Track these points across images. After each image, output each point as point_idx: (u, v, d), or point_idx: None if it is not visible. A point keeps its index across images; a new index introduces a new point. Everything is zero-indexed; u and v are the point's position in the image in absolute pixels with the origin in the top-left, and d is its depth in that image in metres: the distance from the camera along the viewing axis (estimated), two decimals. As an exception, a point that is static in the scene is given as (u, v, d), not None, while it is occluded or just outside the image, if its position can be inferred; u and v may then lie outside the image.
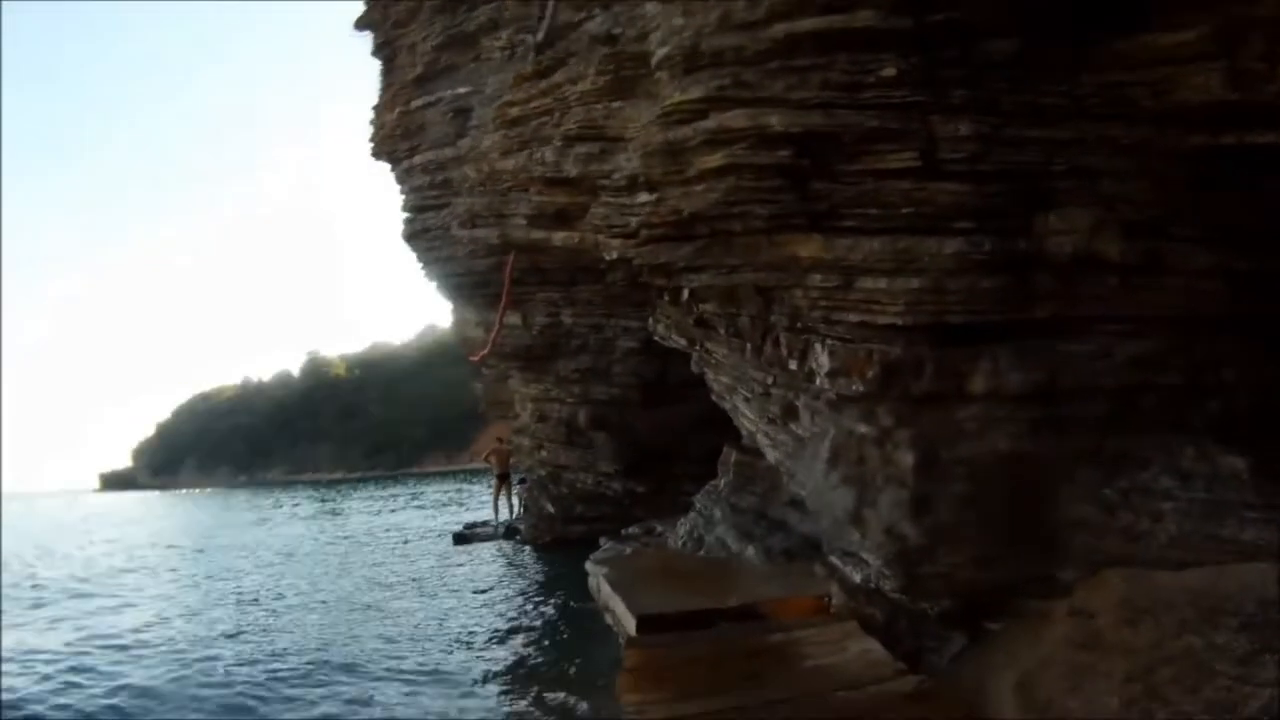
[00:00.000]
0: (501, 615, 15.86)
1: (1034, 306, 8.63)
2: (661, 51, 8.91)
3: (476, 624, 15.18)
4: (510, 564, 22.02)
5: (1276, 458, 8.29)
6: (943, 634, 9.10)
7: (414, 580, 19.97)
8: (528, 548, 23.43)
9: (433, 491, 42.91)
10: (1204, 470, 8.44)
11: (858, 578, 10.00)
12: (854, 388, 9.11)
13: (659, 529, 17.52)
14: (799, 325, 9.64)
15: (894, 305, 8.71)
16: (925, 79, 8.07)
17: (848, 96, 8.25)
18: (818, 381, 9.49)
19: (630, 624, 10.58)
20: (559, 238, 11.30)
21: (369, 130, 22.54)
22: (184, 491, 73.57)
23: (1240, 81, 7.53)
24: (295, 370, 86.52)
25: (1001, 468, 8.67)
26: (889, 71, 8.10)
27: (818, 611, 10.49)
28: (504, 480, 27.01)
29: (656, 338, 14.89)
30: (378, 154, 22.27)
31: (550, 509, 23.27)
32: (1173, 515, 8.35)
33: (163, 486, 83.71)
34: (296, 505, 45.29)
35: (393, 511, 39.21)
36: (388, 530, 30.64)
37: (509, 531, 25.12)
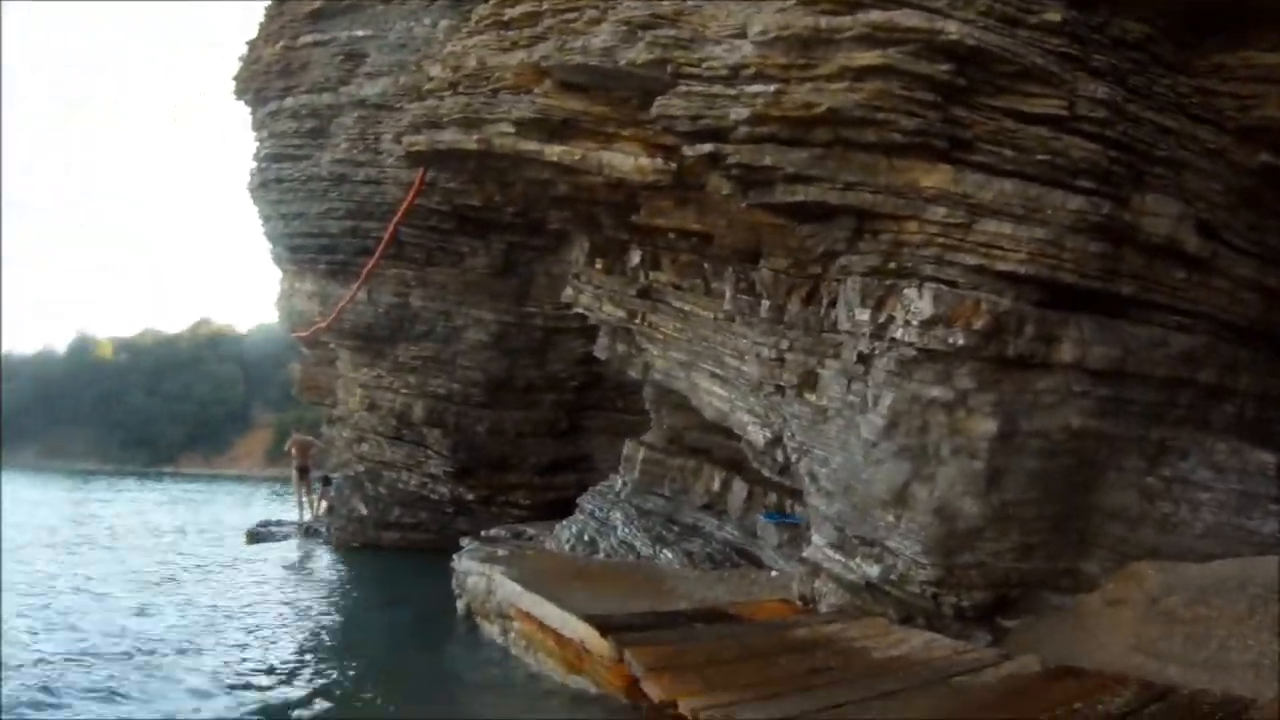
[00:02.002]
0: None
1: (1121, 282, 8.47)
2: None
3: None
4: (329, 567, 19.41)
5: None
6: (965, 633, 8.47)
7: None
8: (329, 551, 20.78)
9: (198, 492, 38.75)
10: (1235, 464, 8.56)
11: (874, 572, 8.94)
12: (952, 339, 8.01)
13: (530, 532, 15.63)
14: (891, 266, 8.30)
15: (1017, 253, 8.03)
16: (1078, 35, 7.94)
17: (1007, 29, 7.82)
18: (899, 334, 8.22)
19: (577, 628, 9.07)
20: (554, 151, 9.46)
21: (235, 68, 20.07)
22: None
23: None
24: (61, 348, 79.05)
25: (1070, 446, 8.30)
26: (1053, 16, 7.86)
27: (794, 614, 9.53)
28: (304, 475, 24.15)
29: (579, 309, 13.15)
30: (242, 92, 19.83)
31: (363, 510, 20.76)
32: (1209, 506, 8.48)
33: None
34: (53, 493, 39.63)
35: (161, 505, 34.82)
36: (173, 530, 26.43)
37: (308, 531, 22.37)
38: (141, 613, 13.29)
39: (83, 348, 74.90)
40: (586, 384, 19.95)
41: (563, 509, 18.20)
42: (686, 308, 11.25)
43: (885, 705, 6.34)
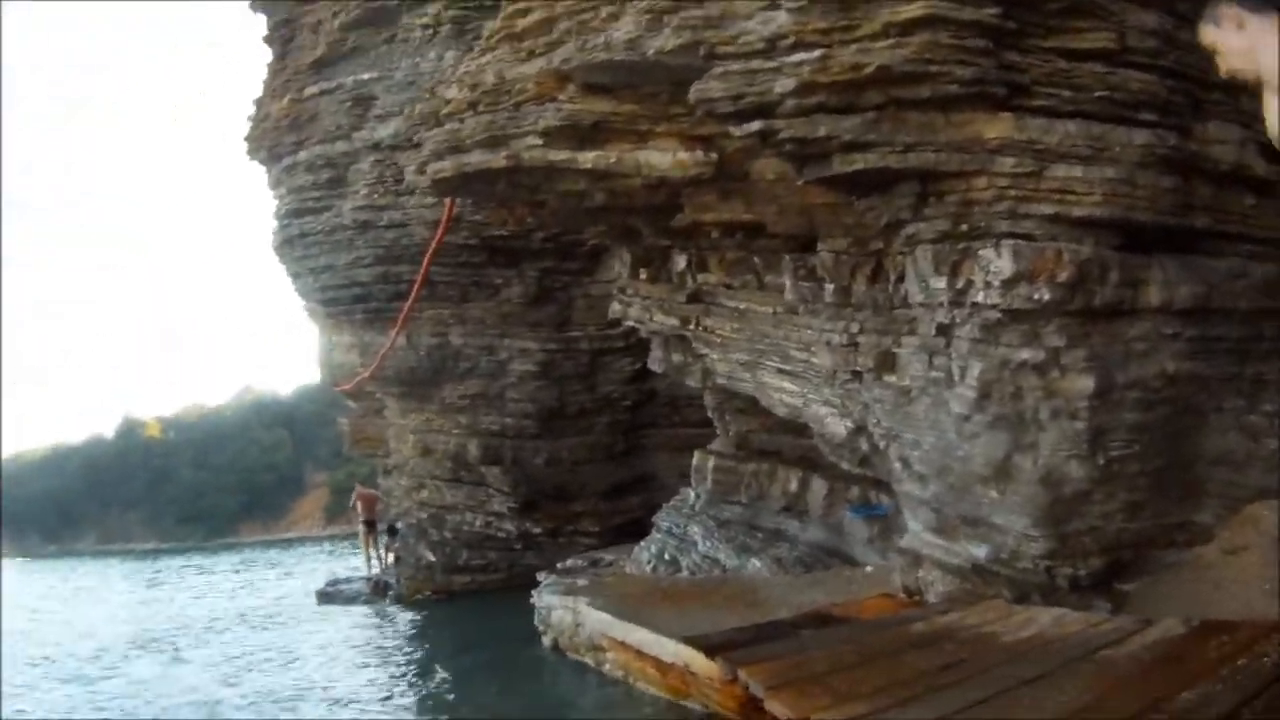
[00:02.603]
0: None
1: (1194, 215, 8.04)
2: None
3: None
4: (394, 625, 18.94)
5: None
6: (1084, 604, 7.92)
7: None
8: (400, 602, 20.28)
9: (259, 563, 38.35)
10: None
11: (981, 552, 8.43)
12: (1037, 295, 7.48)
13: (607, 558, 15.10)
14: (963, 228, 7.76)
15: (1091, 195, 7.47)
16: None
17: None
18: (980, 298, 7.70)
19: (679, 651, 8.55)
20: (588, 158, 8.99)
21: (245, 128, 19.73)
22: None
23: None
24: (109, 433, 79.46)
25: (1168, 393, 7.92)
26: (1094, -54, 7.30)
27: (902, 607, 8.95)
28: (372, 528, 23.74)
29: (630, 323, 12.65)
30: (255, 151, 19.46)
31: (430, 557, 20.25)
32: (1316, 438, 7.87)
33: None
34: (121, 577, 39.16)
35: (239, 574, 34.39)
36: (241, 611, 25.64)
37: (377, 587, 21.91)
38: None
39: (130, 430, 75.20)
40: (639, 402, 19.42)
41: (632, 532, 17.80)
42: (741, 306, 10.75)
43: (1034, 692, 5.77)
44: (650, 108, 8.75)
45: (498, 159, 9.30)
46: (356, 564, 26.34)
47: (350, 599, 21.59)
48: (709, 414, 13.69)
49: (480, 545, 19.96)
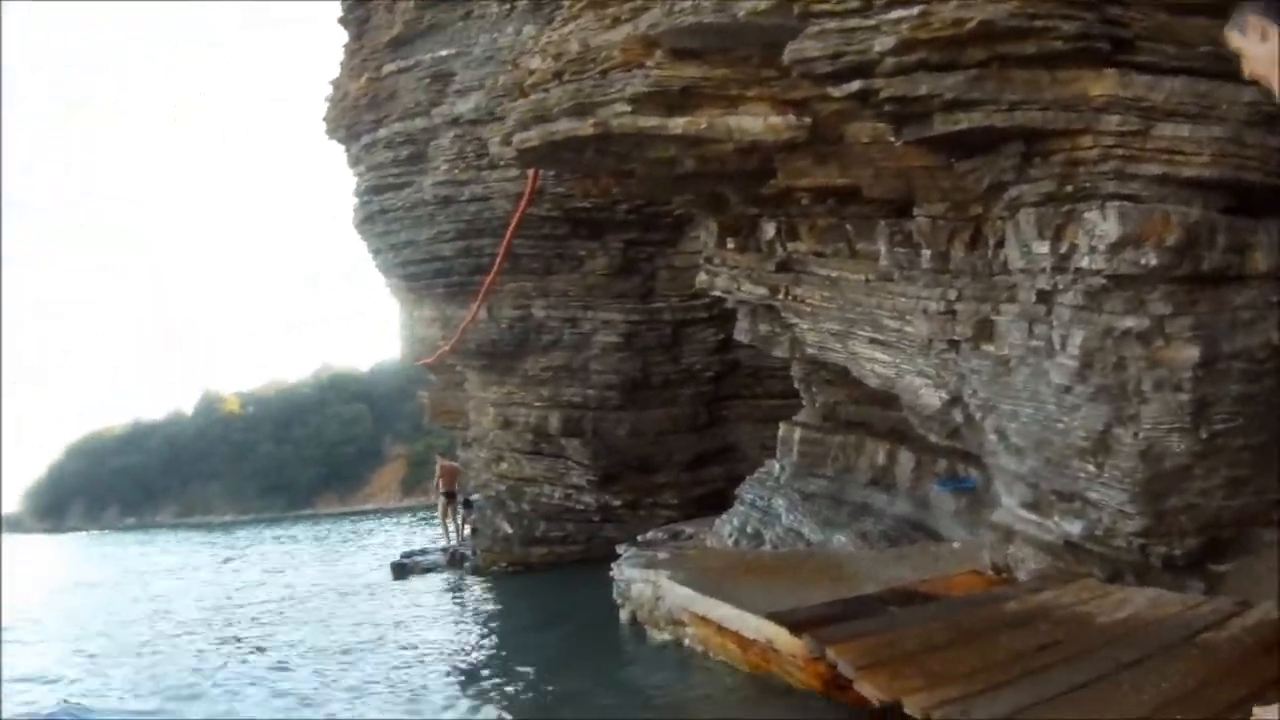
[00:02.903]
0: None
1: None
2: None
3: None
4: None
5: None
6: (1177, 584, 7.69)
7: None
8: (477, 574, 20.36)
9: (336, 533, 38.68)
10: None
11: (1075, 529, 8.19)
12: (1144, 260, 7.10)
13: (687, 531, 15.03)
14: (1068, 190, 7.42)
15: (1199, 155, 7.00)
16: None
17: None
18: (1085, 263, 7.36)
19: (762, 627, 8.40)
20: (678, 124, 8.83)
21: (323, 109, 19.86)
22: (71, 535, 66.35)
23: None
24: (189, 409, 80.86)
25: (1272, 364, 7.34)
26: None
27: (992, 585, 8.76)
28: (451, 499, 23.92)
29: (717, 292, 12.48)
30: (334, 130, 19.60)
31: (508, 529, 20.34)
32: None
33: (49, 530, 76.41)
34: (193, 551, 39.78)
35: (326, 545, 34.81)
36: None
37: (453, 559, 22.03)
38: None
39: (209, 406, 76.51)
40: (722, 373, 19.31)
41: (712, 504, 17.73)
42: (833, 274, 10.52)
43: (1134, 677, 5.53)
44: (741, 71, 8.54)
45: (585, 127, 9.17)
46: (432, 535, 26.60)
47: (426, 570, 21.74)
48: (795, 385, 13.53)
49: (558, 517, 20.03)
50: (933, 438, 10.61)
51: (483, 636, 14.39)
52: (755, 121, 8.65)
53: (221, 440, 67.59)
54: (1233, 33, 4.12)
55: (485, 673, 11.94)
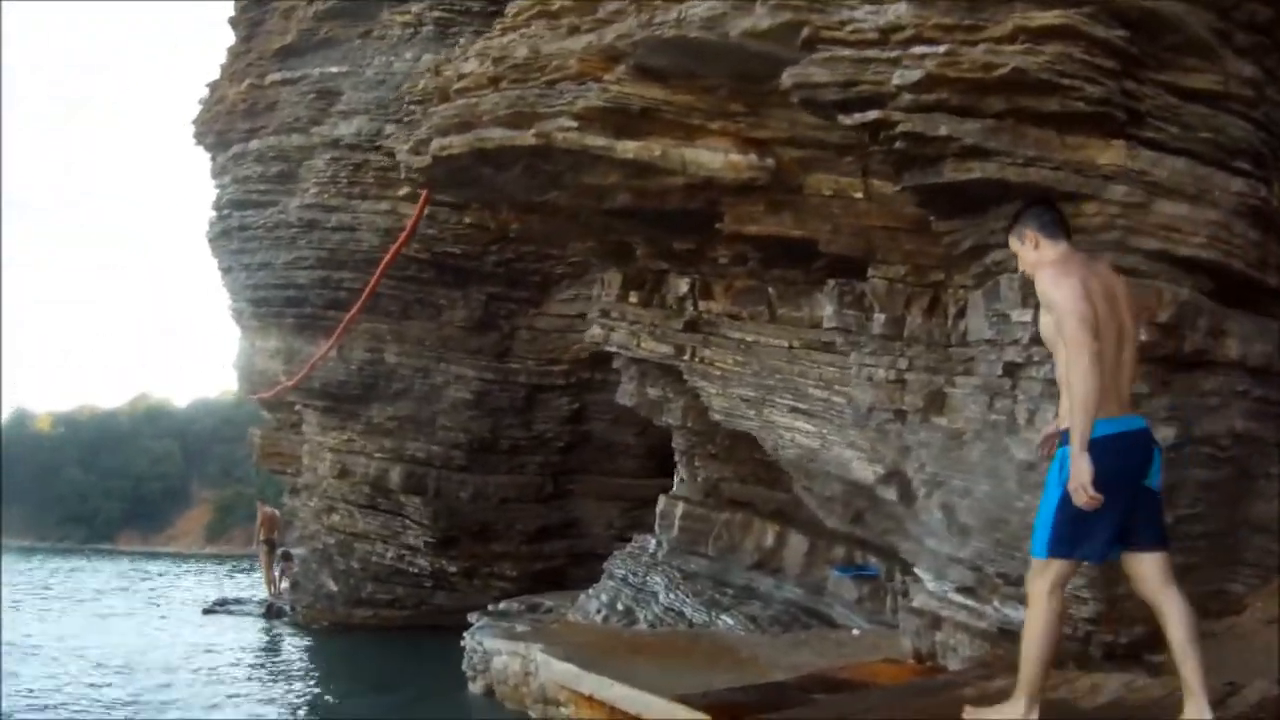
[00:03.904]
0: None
1: (1269, 272, 7.50)
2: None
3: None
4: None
5: None
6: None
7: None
8: (291, 631, 18.82)
9: (135, 572, 35.70)
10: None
11: (1020, 615, 7.30)
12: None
13: (546, 604, 13.95)
14: None
15: (1195, 236, 6.88)
16: (1222, 8, 7.01)
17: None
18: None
19: (674, 712, 7.37)
20: (628, 148, 8.07)
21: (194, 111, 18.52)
22: None
23: None
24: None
25: (1233, 452, 7.35)
26: (1202, -11, 6.89)
27: (922, 674, 8.08)
28: (272, 549, 22.22)
29: (612, 348, 11.64)
30: (203, 136, 18.25)
31: (332, 587, 18.86)
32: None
33: None
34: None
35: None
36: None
37: (269, 610, 20.38)
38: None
39: (20, 421, 71.50)
40: (572, 444, 18.40)
41: (551, 580, 16.88)
42: (749, 338, 9.83)
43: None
44: (706, 101, 7.83)
45: (525, 137, 8.30)
46: (243, 584, 24.82)
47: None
48: (676, 457, 12.72)
49: (388, 579, 18.66)
50: (831, 522, 10.01)
51: (311, 694, 13.00)
52: (714, 156, 7.94)
53: (27, 460, 62.76)
54: (1013, 239, 5.04)
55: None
